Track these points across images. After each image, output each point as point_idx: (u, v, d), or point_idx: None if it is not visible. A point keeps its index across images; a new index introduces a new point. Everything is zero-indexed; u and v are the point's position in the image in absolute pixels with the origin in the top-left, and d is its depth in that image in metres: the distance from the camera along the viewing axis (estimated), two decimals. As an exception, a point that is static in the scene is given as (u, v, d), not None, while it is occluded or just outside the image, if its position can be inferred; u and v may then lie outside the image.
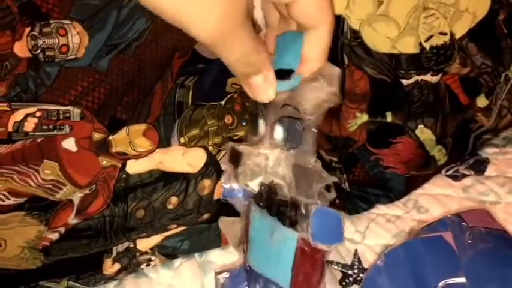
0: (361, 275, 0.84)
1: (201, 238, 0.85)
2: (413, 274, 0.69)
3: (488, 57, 0.99)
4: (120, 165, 0.79)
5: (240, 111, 0.88)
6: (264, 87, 0.40)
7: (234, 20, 0.34)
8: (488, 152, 1.05)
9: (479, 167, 1.03)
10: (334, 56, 0.94)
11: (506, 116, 1.02)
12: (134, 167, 0.80)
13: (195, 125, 0.84)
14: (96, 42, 0.79)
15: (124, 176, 0.79)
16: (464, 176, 1.01)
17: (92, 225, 0.78)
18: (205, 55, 0.88)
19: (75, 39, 0.79)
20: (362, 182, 0.96)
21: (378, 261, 0.73)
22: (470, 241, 0.71)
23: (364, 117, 0.94)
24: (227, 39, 0.35)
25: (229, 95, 0.87)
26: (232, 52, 0.37)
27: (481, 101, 1.00)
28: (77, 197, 0.77)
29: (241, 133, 0.87)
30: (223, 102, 0.87)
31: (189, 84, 0.85)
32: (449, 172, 1.02)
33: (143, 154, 0.80)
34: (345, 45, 0.94)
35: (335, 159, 0.96)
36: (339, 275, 0.85)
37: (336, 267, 0.86)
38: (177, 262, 0.85)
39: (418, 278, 0.69)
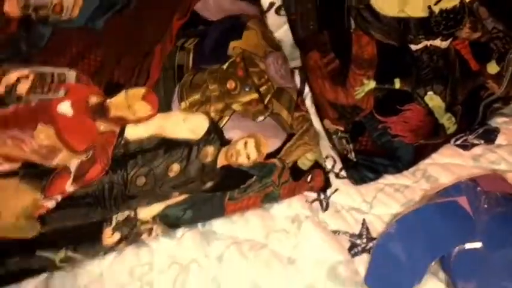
0: (369, 244, 0.81)
1: (204, 207, 0.82)
2: (427, 239, 0.66)
3: (499, 21, 0.95)
4: (118, 130, 0.76)
5: (242, 77, 0.84)
6: None
7: None
8: (497, 121, 1.02)
9: (489, 136, 1.00)
10: (340, 20, 0.91)
11: (518, 84, 0.99)
12: (133, 133, 0.76)
13: (196, 89, 0.81)
14: (91, 2, 0.76)
15: (123, 142, 0.76)
16: (473, 145, 0.98)
17: (90, 192, 0.75)
18: (205, 16, 0.85)
19: (70, -1, 0.76)
20: (369, 152, 0.93)
21: (389, 228, 0.70)
22: (486, 205, 0.68)
23: (372, 84, 0.91)
24: None
25: (231, 59, 0.84)
26: None
27: (492, 68, 0.97)
28: (73, 163, 0.74)
29: (244, 99, 0.84)
30: (225, 66, 0.83)
31: (189, 47, 0.82)
32: (458, 142, 0.99)
33: (143, 119, 0.76)
34: (352, 8, 0.90)
35: (341, 128, 0.93)
36: (347, 244, 0.82)
37: (344, 236, 0.83)
38: (179, 232, 0.82)
39: (431, 244, 0.66)
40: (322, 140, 0.98)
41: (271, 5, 1.00)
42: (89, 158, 0.74)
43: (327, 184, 0.91)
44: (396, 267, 0.68)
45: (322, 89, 0.94)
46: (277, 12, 1.00)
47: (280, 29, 1.01)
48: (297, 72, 1.03)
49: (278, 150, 0.86)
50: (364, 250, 0.81)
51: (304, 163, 0.89)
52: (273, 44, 0.94)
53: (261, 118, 0.85)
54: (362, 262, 0.78)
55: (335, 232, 0.84)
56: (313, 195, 0.90)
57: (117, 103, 0.76)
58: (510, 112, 1.04)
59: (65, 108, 0.73)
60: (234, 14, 0.87)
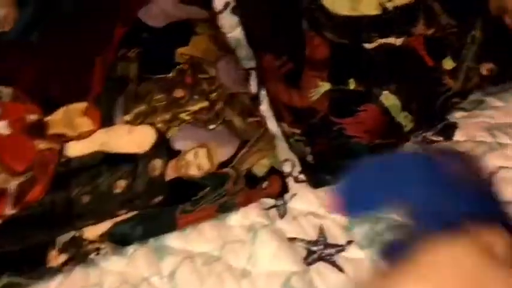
0: (325, 251, 0.80)
1: (155, 222, 0.79)
2: (396, 179, 0.60)
3: (452, 17, 0.94)
4: (59, 148, 0.73)
5: (191, 84, 0.82)
6: None
7: None
8: (456, 116, 1.01)
9: (448, 132, 0.99)
10: (293, 21, 0.89)
11: (474, 78, 0.98)
12: (75, 150, 0.73)
13: (141, 100, 0.78)
14: (25, 14, 0.73)
15: (64, 159, 0.73)
16: (432, 142, 0.97)
17: (31, 214, 0.72)
18: (149, 23, 0.82)
19: (2, 11, 0.72)
20: (326, 154, 0.91)
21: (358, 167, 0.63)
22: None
23: (327, 86, 0.89)
24: None
25: (178, 67, 0.81)
26: None
27: (448, 63, 0.96)
28: (12, 185, 0.71)
29: (193, 107, 0.81)
30: (171, 74, 0.81)
31: (132, 56, 0.79)
32: (417, 139, 0.98)
33: (84, 135, 0.74)
34: (304, 9, 0.89)
35: (298, 131, 0.91)
36: (304, 252, 0.80)
37: (300, 244, 0.81)
38: (131, 249, 0.79)
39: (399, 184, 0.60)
40: (281, 143, 0.96)
41: (227, 4, 0.98)
42: (28, 178, 0.71)
43: (284, 189, 0.89)
44: (366, 190, 0.62)
45: (277, 92, 0.92)
46: (233, 11, 0.98)
47: (237, 29, 0.99)
48: (254, 73, 1.01)
49: (231, 159, 0.83)
50: (320, 257, 0.79)
51: (260, 169, 0.87)
52: (225, 47, 0.91)
53: (212, 126, 0.83)
54: (317, 271, 0.77)
55: (291, 240, 0.82)
56: (271, 202, 0.88)
57: (56, 120, 0.73)
58: (469, 106, 1.03)
59: (1, 127, 0.70)
60: (180, 20, 0.84)
